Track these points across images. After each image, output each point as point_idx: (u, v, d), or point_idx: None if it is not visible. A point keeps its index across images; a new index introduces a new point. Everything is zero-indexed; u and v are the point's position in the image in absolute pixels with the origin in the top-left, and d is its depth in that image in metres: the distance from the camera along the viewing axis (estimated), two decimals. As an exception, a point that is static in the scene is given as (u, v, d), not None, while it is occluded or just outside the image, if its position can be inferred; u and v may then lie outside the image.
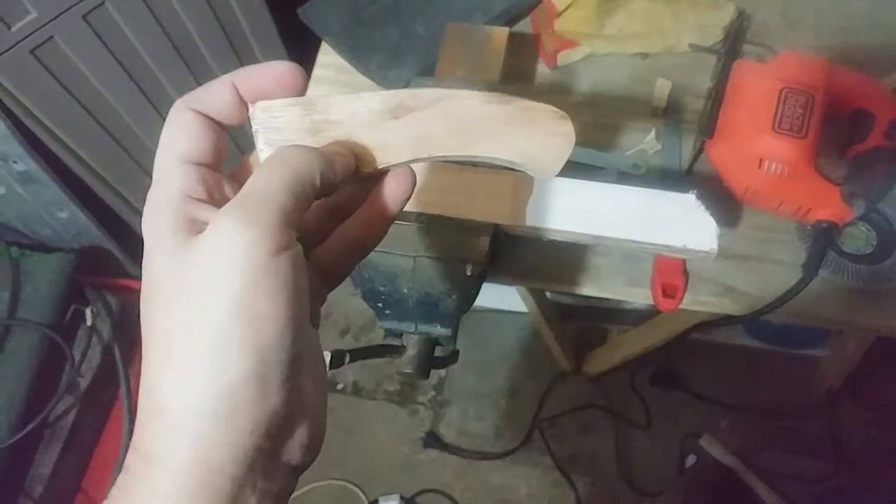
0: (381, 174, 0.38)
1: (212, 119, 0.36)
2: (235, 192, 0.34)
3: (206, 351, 0.30)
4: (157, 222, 0.33)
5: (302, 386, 0.33)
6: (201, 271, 0.31)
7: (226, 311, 0.30)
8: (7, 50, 0.99)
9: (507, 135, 0.37)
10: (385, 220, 0.39)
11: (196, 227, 0.33)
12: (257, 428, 0.31)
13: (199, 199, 0.34)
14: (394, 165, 0.37)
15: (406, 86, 0.80)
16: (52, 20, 1.01)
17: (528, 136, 0.37)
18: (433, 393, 1.75)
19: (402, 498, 1.63)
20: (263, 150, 0.36)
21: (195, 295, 0.30)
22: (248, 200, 0.32)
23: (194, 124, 0.35)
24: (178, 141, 0.35)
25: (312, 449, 0.35)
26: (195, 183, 0.34)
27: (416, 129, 0.37)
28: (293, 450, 0.34)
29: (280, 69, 0.36)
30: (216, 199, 0.35)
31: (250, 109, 0.36)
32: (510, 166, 0.38)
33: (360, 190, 0.38)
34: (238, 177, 0.37)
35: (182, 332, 0.30)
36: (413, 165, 0.68)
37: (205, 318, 0.30)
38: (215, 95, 0.36)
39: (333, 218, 0.39)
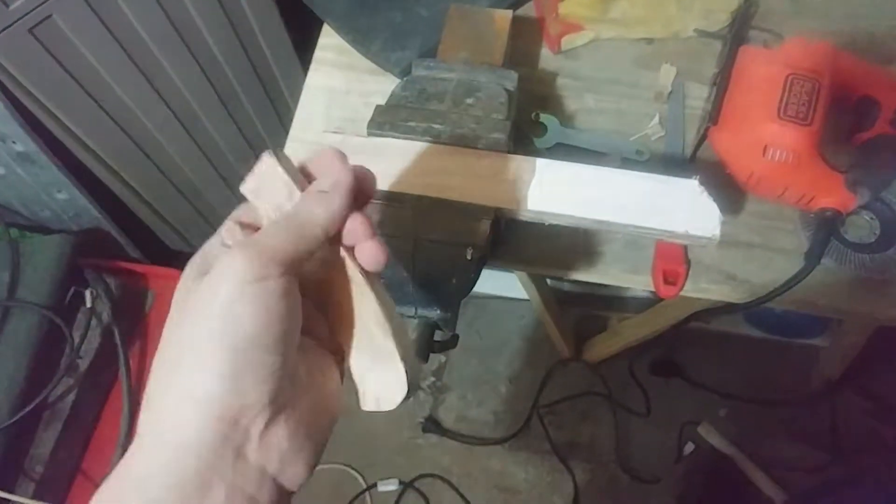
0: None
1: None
2: None
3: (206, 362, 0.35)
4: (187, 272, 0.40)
5: (288, 400, 0.37)
6: (195, 296, 0.37)
7: (211, 322, 0.35)
8: (5, 28, 0.97)
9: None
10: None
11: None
12: (223, 415, 0.34)
13: None
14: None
15: (408, 68, 0.79)
16: (50, -2, 1.00)
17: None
18: (433, 378, 1.75)
19: (400, 482, 1.64)
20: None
21: (187, 318, 0.36)
22: (246, 244, 0.37)
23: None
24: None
25: (296, 463, 0.37)
26: None
27: None
28: (269, 454, 0.35)
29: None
30: None
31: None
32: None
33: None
34: None
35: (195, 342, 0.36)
36: (412, 147, 0.68)
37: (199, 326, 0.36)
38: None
39: None
